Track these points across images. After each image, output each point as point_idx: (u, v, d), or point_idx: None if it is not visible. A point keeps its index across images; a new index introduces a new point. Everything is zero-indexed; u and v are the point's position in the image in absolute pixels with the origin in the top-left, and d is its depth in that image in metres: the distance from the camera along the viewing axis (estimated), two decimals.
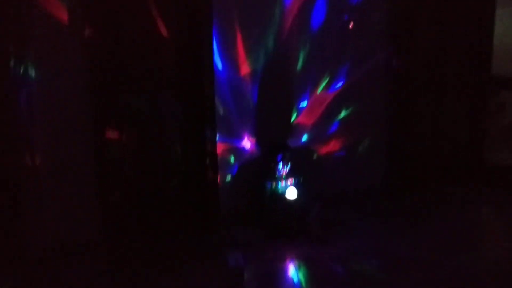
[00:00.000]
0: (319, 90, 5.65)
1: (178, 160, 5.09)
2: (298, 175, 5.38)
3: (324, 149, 5.82)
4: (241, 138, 5.32)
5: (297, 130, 5.61)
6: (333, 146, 5.87)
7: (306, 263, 4.80)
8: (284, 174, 5.30)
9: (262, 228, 5.21)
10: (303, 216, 5.21)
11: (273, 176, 5.29)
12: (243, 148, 5.34)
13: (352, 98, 5.86)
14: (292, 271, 4.74)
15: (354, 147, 6.00)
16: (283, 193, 5.24)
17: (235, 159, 5.31)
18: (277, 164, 5.26)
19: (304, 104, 5.59)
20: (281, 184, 5.28)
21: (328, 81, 5.67)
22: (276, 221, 5.18)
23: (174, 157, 5.09)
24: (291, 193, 5.22)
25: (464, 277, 4.45)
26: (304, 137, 5.66)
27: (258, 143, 5.39)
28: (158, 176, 5.05)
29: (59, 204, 4.61)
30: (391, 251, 4.91)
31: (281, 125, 5.52)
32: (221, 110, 5.14)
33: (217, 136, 5.13)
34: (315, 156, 5.76)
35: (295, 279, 4.58)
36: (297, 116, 5.58)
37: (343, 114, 5.84)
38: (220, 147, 5.17)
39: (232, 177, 5.31)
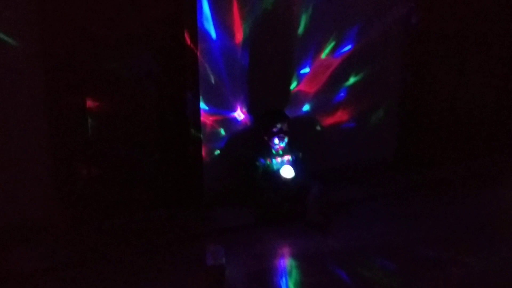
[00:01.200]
0: (323, 55, 4.97)
1: (157, 130, 4.54)
2: (297, 151, 4.77)
3: (329, 120, 5.19)
4: (233, 109, 4.72)
5: (297, 99, 4.99)
6: (339, 116, 5.23)
7: (298, 260, 4.14)
8: (280, 149, 4.68)
9: (252, 211, 4.61)
10: (300, 198, 4.59)
11: (268, 151, 4.69)
12: (235, 120, 4.73)
13: (363, 63, 5.21)
14: (278, 273, 4.07)
15: (364, 117, 5.37)
16: (278, 171, 4.63)
17: (226, 132, 4.71)
18: (272, 137, 4.62)
19: (305, 70, 4.93)
20: (276, 160, 4.67)
21: (335, 44, 5.01)
22: (268, 203, 4.56)
23: (152, 126, 4.53)
24: (287, 171, 4.62)
25: None
26: (306, 107, 5.04)
27: (252, 114, 4.77)
28: (135, 148, 4.52)
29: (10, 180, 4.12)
30: (407, 245, 4.23)
31: (279, 93, 4.89)
32: (212, 79, 4.53)
33: (207, 106, 4.56)
34: (318, 128, 5.13)
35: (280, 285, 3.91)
36: (297, 83, 4.94)
37: (351, 80, 5.19)
38: (209, 118, 4.60)
39: (221, 151, 4.72)
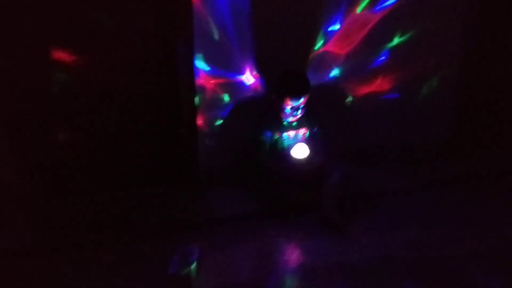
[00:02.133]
0: (359, 8, 3.99)
1: (143, 91, 3.76)
2: (316, 123, 3.85)
3: (364, 89, 4.23)
4: (241, 71, 3.84)
5: (322, 61, 4.04)
6: (378, 85, 4.28)
7: (301, 272, 3.12)
8: (294, 120, 3.77)
9: (254, 198, 3.75)
10: (315, 185, 3.67)
11: (277, 121, 3.77)
12: (243, 84, 3.87)
13: (412, 19, 4.21)
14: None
15: (412, 88, 4.38)
16: (288, 149, 3.73)
17: (231, 98, 3.86)
18: (285, 105, 3.69)
19: (335, 27, 3.97)
20: (288, 134, 3.77)
21: None
22: (273, 190, 3.68)
23: (137, 85, 3.75)
24: (300, 150, 3.71)
25: None
26: (333, 72, 4.08)
27: (264, 78, 3.88)
28: (117, 112, 3.77)
29: None
30: (454, 261, 3.15)
31: (299, 54, 3.95)
32: (215, 33, 3.68)
33: (208, 66, 3.72)
34: (347, 99, 4.18)
35: None
36: (324, 43, 4.00)
37: (396, 41, 4.18)
38: (211, 81, 3.77)
39: (223, 122, 3.87)
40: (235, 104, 3.86)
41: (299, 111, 3.70)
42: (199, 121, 3.78)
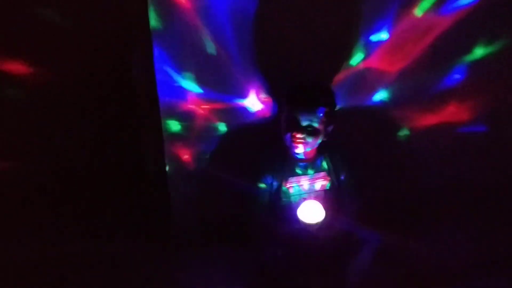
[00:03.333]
0: (418, 10, 2.86)
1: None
2: (342, 168, 2.81)
3: (425, 120, 3.09)
4: (244, 94, 2.90)
5: (362, 81, 2.96)
6: (449, 114, 3.09)
7: None
8: (307, 160, 2.77)
9: (246, 269, 2.73)
10: (334, 267, 2.59)
11: (284, 164, 2.76)
12: (246, 110, 2.93)
13: (501, 22, 2.97)
14: None
15: (501, 119, 3.12)
16: (295, 207, 2.71)
17: (229, 129, 2.95)
18: (292, 127, 2.65)
19: (382, 35, 2.88)
20: (299, 184, 2.78)
21: None
22: (269, 266, 2.63)
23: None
24: (312, 211, 2.64)
25: None
26: (379, 95, 3.00)
27: (276, 102, 2.92)
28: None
29: None
30: None
31: (324, 71, 2.91)
32: (209, 46, 2.78)
33: (201, 88, 2.84)
34: (400, 133, 3.07)
35: None
36: (365, 57, 2.92)
37: (478, 53, 2.97)
38: (203, 106, 2.87)
39: (210, 159, 2.97)
40: (230, 135, 2.94)
41: (312, 138, 2.65)
42: (185, 157, 2.94)
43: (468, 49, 3.00)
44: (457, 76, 3.03)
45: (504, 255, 2.80)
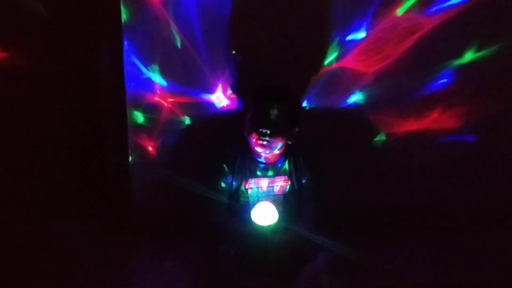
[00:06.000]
0: (400, 10, 2.67)
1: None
2: (305, 171, 2.66)
3: (405, 126, 2.90)
4: (211, 89, 2.80)
5: (335, 82, 2.79)
6: (432, 122, 2.90)
7: None
8: (269, 162, 2.67)
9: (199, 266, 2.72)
10: (285, 271, 2.52)
11: (246, 163, 2.66)
12: (212, 105, 2.84)
13: (494, 25, 2.76)
14: None
15: (490, 128, 2.91)
16: (250, 209, 2.60)
17: (193, 123, 2.87)
18: (253, 123, 2.55)
19: (359, 35, 2.70)
20: (258, 185, 2.68)
21: None
22: (222, 265, 2.52)
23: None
24: (264, 213, 2.56)
25: None
26: (354, 97, 2.83)
27: (242, 99, 2.81)
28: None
29: None
30: None
31: (300, 70, 2.77)
32: (175, 39, 2.70)
33: (165, 80, 2.78)
34: (376, 138, 2.90)
35: None
36: (339, 56, 2.75)
37: (468, 57, 2.75)
38: (168, 99, 2.81)
39: (170, 153, 2.91)
40: (195, 129, 2.85)
41: (275, 139, 2.51)
42: (149, 148, 2.90)
43: (457, 53, 2.79)
44: (443, 80, 2.82)
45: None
